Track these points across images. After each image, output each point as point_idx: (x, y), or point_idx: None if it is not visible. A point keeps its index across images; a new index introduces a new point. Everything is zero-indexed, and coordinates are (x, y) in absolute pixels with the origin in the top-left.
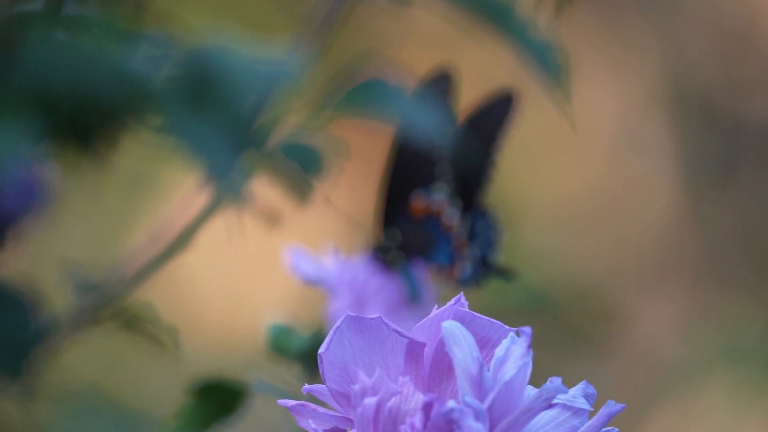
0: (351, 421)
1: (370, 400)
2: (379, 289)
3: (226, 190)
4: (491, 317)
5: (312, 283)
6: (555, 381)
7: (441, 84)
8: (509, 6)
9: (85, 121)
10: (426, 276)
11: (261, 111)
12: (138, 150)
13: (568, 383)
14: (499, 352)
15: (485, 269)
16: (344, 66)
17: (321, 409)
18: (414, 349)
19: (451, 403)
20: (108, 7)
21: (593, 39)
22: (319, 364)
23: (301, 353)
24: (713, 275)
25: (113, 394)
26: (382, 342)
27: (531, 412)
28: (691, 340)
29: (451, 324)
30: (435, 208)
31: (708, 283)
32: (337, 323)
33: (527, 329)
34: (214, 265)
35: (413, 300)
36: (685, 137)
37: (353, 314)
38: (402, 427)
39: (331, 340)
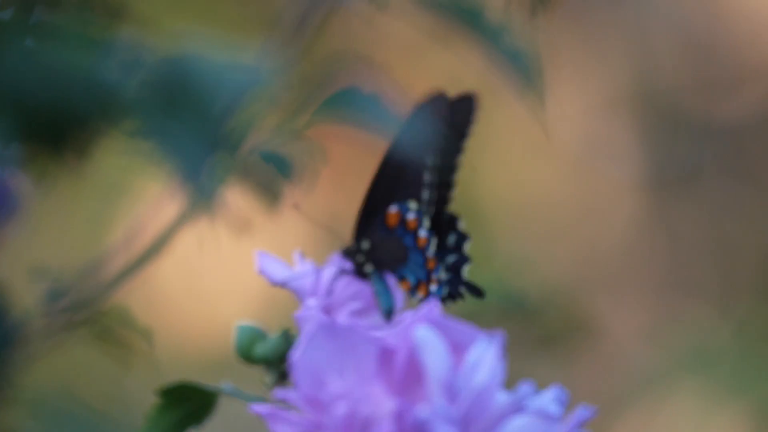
0: (322, 426)
1: (342, 406)
2: (351, 296)
3: (198, 194)
4: (464, 320)
5: (282, 286)
6: (527, 386)
7: (437, 105)
8: (480, 9)
9: (55, 129)
10: (397, 286)
11: (233, 116)
12: (110, 157)
13: (540, 388)
14: (471, 357)
15: (457, 285)
16: (319, 71)
17: (292, 415)
18: (386, 355)
19: (422, 409)
20: (80, 14)
21: (559, 40)
22: (291, 370)
23: (271, 358)
24: (680, 281)
25: (87, 398)
26: (353, 347)
27: (503, 417)
28: (659, 346)
29: (423, 329)
30: (409, 220)
31: (675, 289)
32: (309, 328)
33: (499, 334)
34: (185, 270)
35: (384, 308)
36: (652, 140)
37: (325, 320)
38: None
39: (303, 345)
